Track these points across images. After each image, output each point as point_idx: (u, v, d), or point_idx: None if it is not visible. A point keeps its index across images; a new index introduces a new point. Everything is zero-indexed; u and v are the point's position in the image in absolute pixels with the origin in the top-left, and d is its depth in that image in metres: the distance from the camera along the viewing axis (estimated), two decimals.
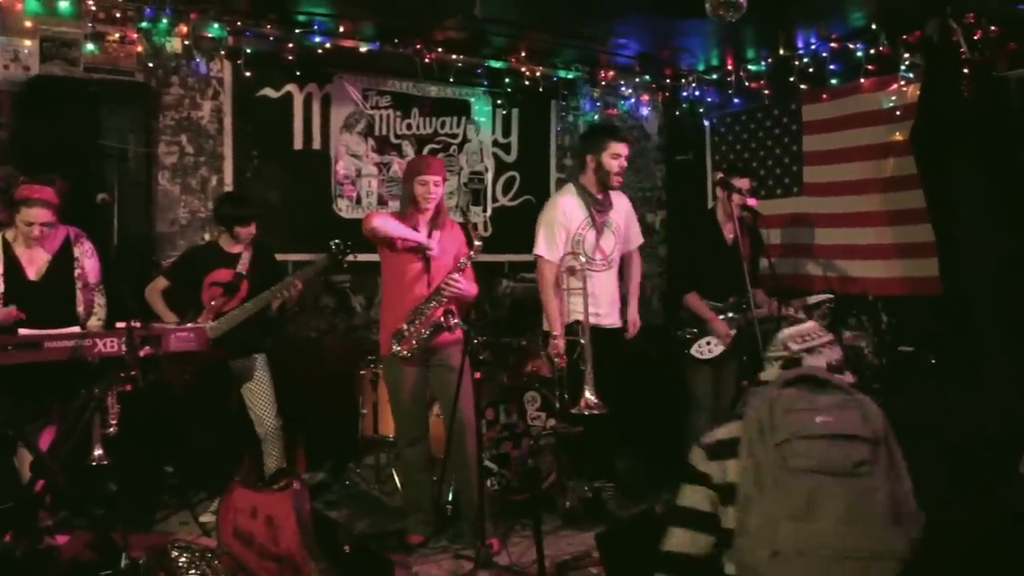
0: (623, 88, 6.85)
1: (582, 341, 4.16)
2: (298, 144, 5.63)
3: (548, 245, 4.37)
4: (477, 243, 4.01)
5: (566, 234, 4.36)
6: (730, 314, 4.69)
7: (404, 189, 4.15)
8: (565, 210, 4.39)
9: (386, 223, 4.01)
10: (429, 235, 4.07)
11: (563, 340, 4.23)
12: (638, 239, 4.77)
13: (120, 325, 3.41)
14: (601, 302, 4.42)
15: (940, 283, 4.84)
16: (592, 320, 4.28)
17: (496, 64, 6.13)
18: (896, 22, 5.06)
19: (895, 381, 5.05)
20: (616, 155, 4.32)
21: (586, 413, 4.01)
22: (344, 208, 5.78)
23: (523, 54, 6.11)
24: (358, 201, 5.83)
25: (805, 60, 5.66)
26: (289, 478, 3.53)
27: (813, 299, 4.91)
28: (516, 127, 6.49)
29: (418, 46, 5.69)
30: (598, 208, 4.43)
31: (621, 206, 4.61)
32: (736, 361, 4.75)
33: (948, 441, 4.05)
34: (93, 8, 4.83)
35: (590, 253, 4.40)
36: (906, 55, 5.11)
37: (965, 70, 4.60)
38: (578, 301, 4.30)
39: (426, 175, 4.00)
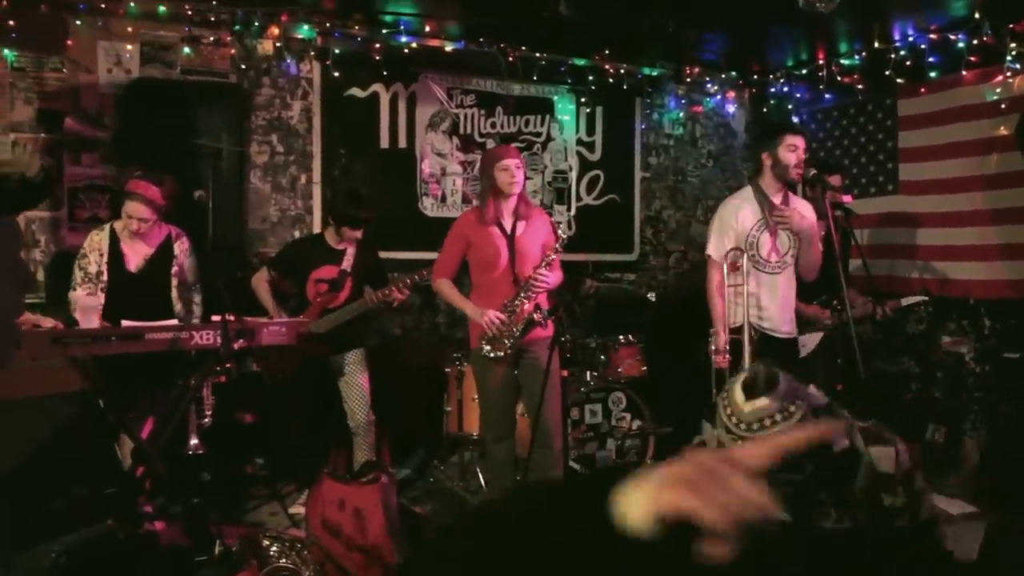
0: (709, 85, 6.73)
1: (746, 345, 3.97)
2: (384, 143, 5.69)
3: (717, 246, 4.21)
4: (563, 236, 3.93)
5: (735, 235, 4.16)
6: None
7: (483, 182, 4.07)
8: (736, 211, 4.19)
9: (441, 290, 4.14)
10: (514, 226, 4.01)
11: (725, 336, 4.05)
12: None
13: (215, 318, 3.50)
14: (769, 307, 4.13)
15: None
16: (755, 323, 4.07)
17: (579, 61, 6.09)
18: (1001, 10, 4.82)
19: (999, 389, 4.82)
20: (792, 147, 4.05)
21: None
22: (429, 207, 5.82)
23: (607, 51, 6.05)
24: (443, 200, 5.86)
25: (902, 53, 5.46)
26: (377, 471, 3.57)
27: (907, 300, 4.75)
28: (600, 125, 6.44)
29: (502, 45, 5.70)
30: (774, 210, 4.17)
31: (802, 210, 4.22)
32: (828, 363, 4.60)
33: None
34: (190, 12, 5.00)
35: (764, 255, 4.14)
36: (1012, 45, 4.88)
37: None
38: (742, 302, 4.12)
39: (506, 159, 3.92)
